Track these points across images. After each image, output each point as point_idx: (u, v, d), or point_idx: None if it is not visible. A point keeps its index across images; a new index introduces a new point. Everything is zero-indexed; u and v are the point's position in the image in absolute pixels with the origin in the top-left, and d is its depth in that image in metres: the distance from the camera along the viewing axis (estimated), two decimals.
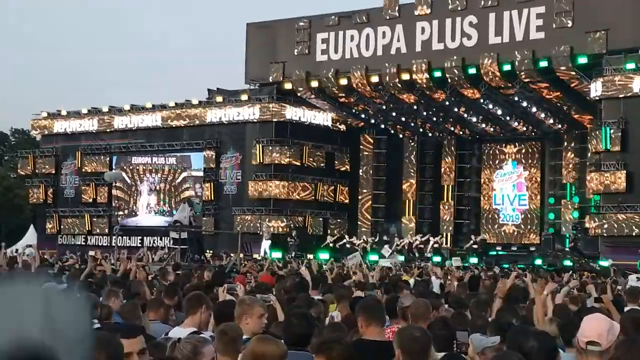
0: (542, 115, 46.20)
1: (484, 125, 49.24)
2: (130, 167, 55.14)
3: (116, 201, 55.11)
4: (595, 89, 40.08)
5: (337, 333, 6.79)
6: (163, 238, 48.86)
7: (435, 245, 46.47)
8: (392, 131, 52.97)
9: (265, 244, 45.92)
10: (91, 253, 35.19)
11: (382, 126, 52.28)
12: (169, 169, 53.95)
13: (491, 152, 52.78)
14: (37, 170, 58.60)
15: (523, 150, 51.52)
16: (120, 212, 54.74)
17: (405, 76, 44.38)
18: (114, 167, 54.72)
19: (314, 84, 47.62)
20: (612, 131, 39.25)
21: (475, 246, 46.01)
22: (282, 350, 5.62)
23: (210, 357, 6.05)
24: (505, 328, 7.85)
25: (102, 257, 25.96)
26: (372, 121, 51.62)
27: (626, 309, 10.57)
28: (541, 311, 9.67)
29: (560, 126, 47.84)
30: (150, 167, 54.47)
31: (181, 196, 52.23)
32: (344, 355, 5.75)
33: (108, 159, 55.80)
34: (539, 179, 50.90)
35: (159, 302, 9.94)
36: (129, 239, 51.89)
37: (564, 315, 9.37)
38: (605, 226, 39.39)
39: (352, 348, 5.95)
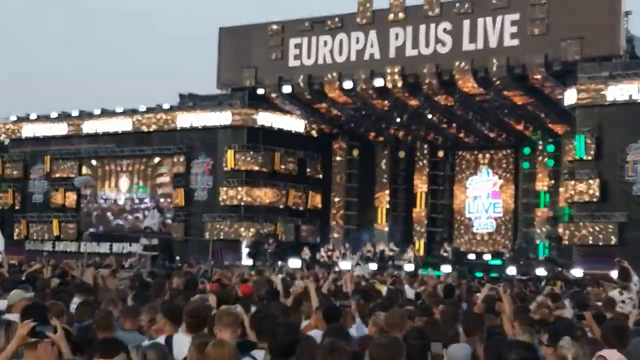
0: (516, 122, 46.11)
1: (457, 133, 49.09)
2: (103, 172, 54.24)
3: (86, 207, 54.26)
4: (570, 97, 40.00)
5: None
6: (133, 244, 48.14)
7: (410, 255, 45.83)
8: (365, 137, 52.71)
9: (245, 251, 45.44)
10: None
11: (355, 132, 52.01)
12: (144, 173, 52.93)
13: (465, 159, 52.61)
14: (5, 175, 57.77)
15: (497, 158, 51.37)
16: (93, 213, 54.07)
17: (379, 82, 44.17)
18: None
19: (287, 89, 47.30)
20: (586, 140, 39.08)
21: (445, 254, 45.69)
22: (229, 352, 6.04)
23: None
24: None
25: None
26: (345, 127, 51.37)
27: None
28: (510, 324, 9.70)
29: (534, 134, 47.78)
30: (124, 171, 53.50)
31: (160, 199, 51.59)
32: None
33: (77, 163, 55.02)
34: (512, 187, 50.72)
35: (136, 310, 9.46)
36: (98, 244, 51.10)
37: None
38: (579, 235, 39.23)
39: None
